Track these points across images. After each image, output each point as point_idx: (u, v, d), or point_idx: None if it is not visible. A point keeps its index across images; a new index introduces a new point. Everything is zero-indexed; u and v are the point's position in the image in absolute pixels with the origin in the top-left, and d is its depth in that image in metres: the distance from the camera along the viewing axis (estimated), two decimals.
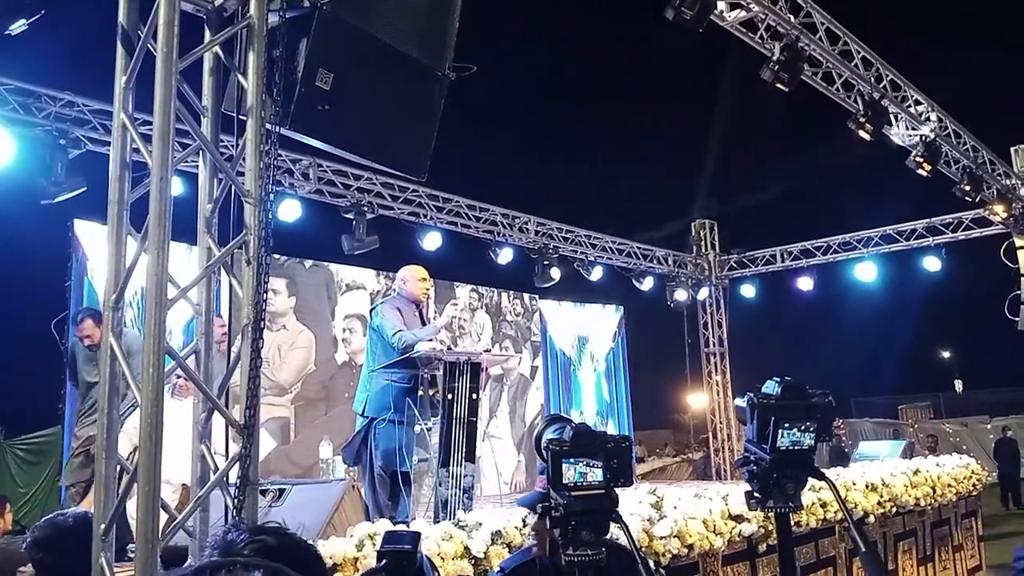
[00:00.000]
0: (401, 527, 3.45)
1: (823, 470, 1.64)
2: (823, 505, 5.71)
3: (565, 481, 1.58)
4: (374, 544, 3.69)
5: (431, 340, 5.48)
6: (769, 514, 1.62)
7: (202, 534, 2.84)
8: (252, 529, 1.33)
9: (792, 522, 1.70)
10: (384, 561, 1.27)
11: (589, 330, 14.87)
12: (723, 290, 14.61)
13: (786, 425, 1.56)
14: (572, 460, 1.58)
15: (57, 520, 2.63)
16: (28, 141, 7.50)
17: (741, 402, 1.64)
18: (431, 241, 10.77)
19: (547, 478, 1.63)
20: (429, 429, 5.23)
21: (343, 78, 3.14)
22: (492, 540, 4.03)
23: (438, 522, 4.46)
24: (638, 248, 13.84)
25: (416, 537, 1.37)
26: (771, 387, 1.60)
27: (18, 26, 5.26)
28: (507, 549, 4.09)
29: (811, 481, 1.68)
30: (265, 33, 3.01)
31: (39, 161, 7.50)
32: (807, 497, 3.88)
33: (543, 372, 13.86)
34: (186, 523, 2.78)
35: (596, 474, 1.58)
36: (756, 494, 1.62)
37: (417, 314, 5.68)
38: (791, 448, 1.56)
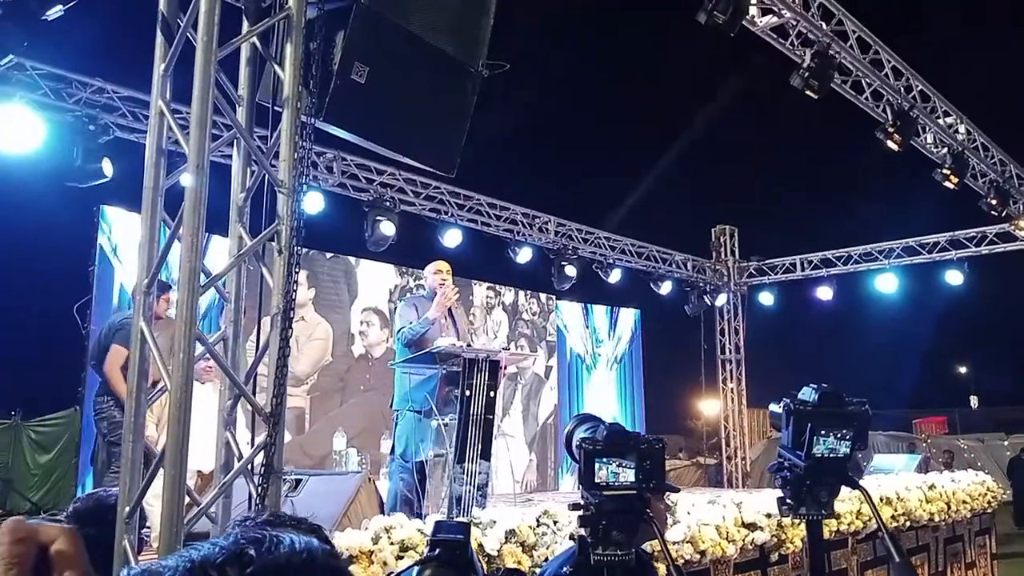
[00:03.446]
0: (437, 517, 3.46)
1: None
2: (837, 517, 5.69)
3: (597, 480, 1.59)
4: (390, 537, 3.71)
5: (434, 323, 5.50)
6: (800, 521, 1.62)
7: (224, 520, 2.87)
8: (261, 523, 1.35)
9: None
10: (437, 550, 1.28)
11: (605, 332, 14.85)
12: (741, 297, 14.54)
13: (822, 432, 1.55)
14: (605, 460, 1.58)
15: (100, 495, 2.66)
16: (58, 126, 7.57)
17: (777, 408, 1.63)
18: (451, 238, 10.79)
19: (579, 476, 1.63)
20: (446, 425, 5.24)
21: (378, 72, 3.15)
22: (506, 539, 4.04)
23: (451, 518, 4.47)
24: (657, 251, 13.80)
25: (467, 527, 1.38)
26: (808, 393, 1.60)
27: (54, 12, 5.31)
28: (520, 548, 4.10)
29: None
30: (303, 25, 3.03)
31: (68, 146, 7.56)
32: None
33: (557, 372, 13.85)
34: (209, 509, 2.81)
35: (628, 475, 1.58)
36: (789, 500, 1.62)
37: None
38: (826, 455, 1.56)
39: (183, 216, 2.70)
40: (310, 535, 1.32)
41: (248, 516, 1.33)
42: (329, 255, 11.04)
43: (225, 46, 2.95)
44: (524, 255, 11.78)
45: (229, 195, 3.24)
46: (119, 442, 5.65)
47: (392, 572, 2.38)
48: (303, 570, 0.74)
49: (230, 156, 3.53)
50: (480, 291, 12.85)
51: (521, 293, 13.51)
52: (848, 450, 1.57)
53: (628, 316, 15.21)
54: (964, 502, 7.66)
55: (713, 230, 14.88)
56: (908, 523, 6.73)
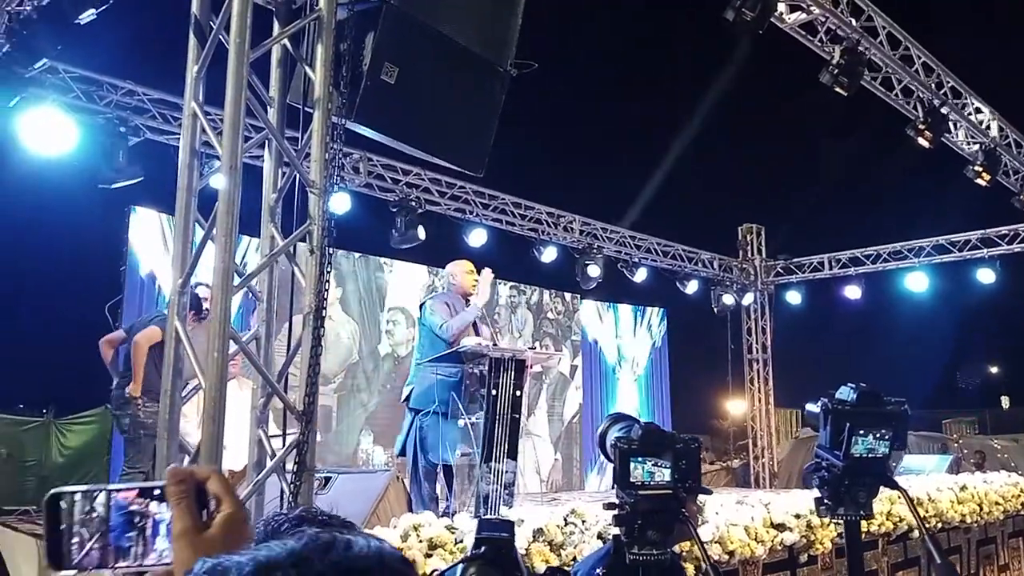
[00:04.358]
0: (464, 516, 3.47)
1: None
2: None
3: (632, 479, 1.58)
4: (418, 535, 3.72)
5: (479, 315, 5.51)
6: (836, 522, 1.61)
7: (257, 518, 2.89)
8: (293, 519, 1.37)
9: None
10: (483, 548, 1.28)
11: (630, 331, 14.80)
12: (768, 296, 14.40)
13: (861, 432, 1.54)
14: (640, 459, 1.58)
15: None
16: (90, 128, 7.68)
17: (814, 407, 1.62)
18: (476, 238, 10.81)
19: (613, 476, 1.63)
20: (473, 424, 5.25)
21: (408, 72, 3.17)
22: (534, 537, 4.04)
23: (478, 517, 4.48)
24: (683, 250, 13.71)
25: (512, 526, 1.38)
26: (846, 393, 1.58)
27: (87, 15, 5.39)
28: (548, 547, 4.10)
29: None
30: (333, 26, 3.05)
31: (100, 148, 7.67)
32: None
33: (582, 371, 13.82)
34: None
35: (664, 474, 1.57)
36: (827, 501, 1.60)
37: (467, 307, 5.71)
38: (865, 456, 1.54)
39: (216, 217, 2.73)
40: (344, 532, 1.33)
41: (280, 513, 1.35)
42: (356, 255, 11.10)
43: (257, 48, 2.97)
44: (549, 254, 11.77)
45: (257, 196, 3.28)
46: (136, 440, 5.75)
47: (436, 571, 2.39)
48: (372, 574, 0.75)
49: (258, 157, 3.56)
50: (504, 290, 12.85)
51: (546, 292, 13.49)
52: (887, 450, 1.55)
53: (654, 315, 15.14)
54: (997, 503, 7.55)
55: (740, 228, 14.76)
56: (940, 524, 6.65)
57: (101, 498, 0.94)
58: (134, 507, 0.94)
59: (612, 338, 14.49)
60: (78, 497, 0.94)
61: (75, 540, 0.93)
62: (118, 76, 8.05)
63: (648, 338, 15.02)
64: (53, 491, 0.94)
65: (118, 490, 0.94)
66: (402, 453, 5.60)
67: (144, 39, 8.36)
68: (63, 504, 0.93)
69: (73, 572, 0.93)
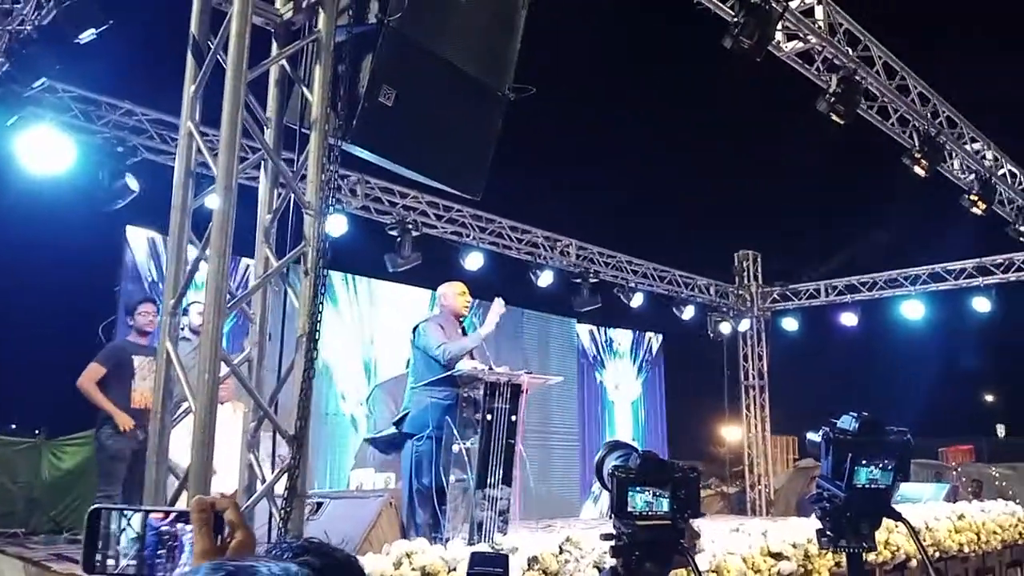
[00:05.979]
0: (482, 547, 3.41)
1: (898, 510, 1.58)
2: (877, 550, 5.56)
3: (630, 509, 1.55)
4: (411, 563, 3.67)
5: (478, 345, 5.45)
6: (837, 553, 1.57)
7: None
8: (295, 548, 1.35)
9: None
10: None
11: (626, 356, 14.75)
12: (764, 322, 14.40)
13: (863, 462, 1.50)
14: (639, 489, 1.54)
15: None
16: (87, 148, 7.68)
17: (815, 437, 1.59)
18: (473, 261, 10.80)
19: (610, 505, 1.59)
20: (468, 449, 5.19)
21: (405, 95, 3.16)
22: (528, 565, 3.98)
23: (472, 544, 4.43)
24: (680, 276, 13.72)
25: (506, 560, 1.34)
26: (848, 422, 1.55)
27: (87, 35, 5.40)
28: (542, 575, 4.04)
29: None
30: (332, 48, 3.04)
31: (97, 167, 7.67)
32: None
33: (577, 396, 13.74)
34: None
35: (663, 504, 1.54)
36: (828, 532, 1.57)
37: (459, 329, 5.67)
38: (867, 486, 1.51)
39: (210, 237, 2.71)
40: (341, 568, 1.30)
41: (284, 541, 1.33)
42: (350, 276, 11.07)
43: (255, 68, 2.97)
44: (545, 278, 11.74)
45: (252, 216, 3.25)
46: (102, 462, 5.79)
47: None
48: None
49: (254, 178, 3.55)
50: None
51: (542, 316, 13.45)
52: (890, 481, 1.52)
53: (650, 340, 15.12)
54: (994, 532, 7.49)
55: (736, 255, 14.78)
56: (937, 554, 6.59)
57: (137, 517, 1.08)
58: (164, 528, 1.08)
59: (608, 362, 14.44)
60: (117, 515, 1.08)
61: (110, 551, 1.07)
62: (116, 96, 8.07)
63: (644, 363, 14.98)
64: (96, 506, 1.09)
65: (152, 511, 1.09)
66: (387, 451, 5.54)
67: (143, 60, 8.38)
68: (103, 519, 1.07)
69: None
